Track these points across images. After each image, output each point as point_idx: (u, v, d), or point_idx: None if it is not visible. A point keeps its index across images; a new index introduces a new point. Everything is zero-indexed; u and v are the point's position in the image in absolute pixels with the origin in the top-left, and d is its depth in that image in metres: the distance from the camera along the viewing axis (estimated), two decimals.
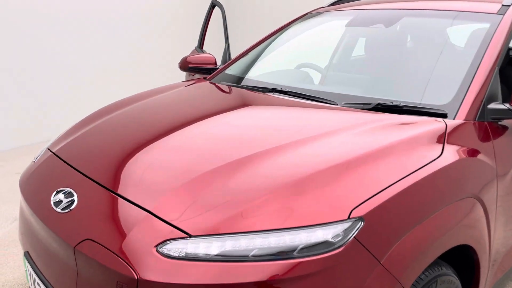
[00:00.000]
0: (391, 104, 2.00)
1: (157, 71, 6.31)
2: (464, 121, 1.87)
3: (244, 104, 2.34)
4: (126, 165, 1.71)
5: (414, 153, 1.64)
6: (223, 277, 1.27)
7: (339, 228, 1.33)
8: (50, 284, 1.65)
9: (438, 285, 1.67)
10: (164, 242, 1.34)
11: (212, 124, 2.05)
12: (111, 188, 1.60)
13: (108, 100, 2.67)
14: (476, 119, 1.92)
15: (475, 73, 1.98)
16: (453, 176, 1.68)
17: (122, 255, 1.37)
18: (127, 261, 1.34)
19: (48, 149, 2.07)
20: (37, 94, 5.27)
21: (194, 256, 1.30)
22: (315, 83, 2.69)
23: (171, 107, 2.32)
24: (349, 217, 1.35)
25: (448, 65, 2.22)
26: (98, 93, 5.65)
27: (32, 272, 1.77)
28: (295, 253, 1.29)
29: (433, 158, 1.64)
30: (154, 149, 1.80)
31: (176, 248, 1.32)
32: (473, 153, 1.80)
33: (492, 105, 1.96)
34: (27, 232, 1.85)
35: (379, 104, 2.02)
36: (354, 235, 1.33)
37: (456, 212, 1.66)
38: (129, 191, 1.57)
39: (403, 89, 2.22)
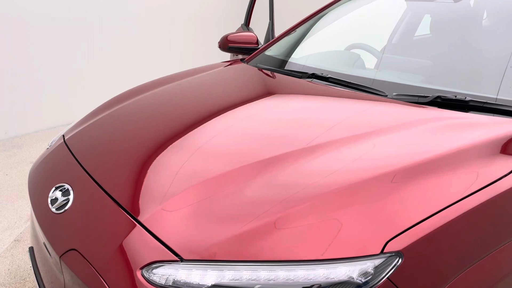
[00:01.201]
0: (454, 98, 1.62)
1: (199, 51, 5.83)
2: None
3: (274, 92, 2.03)
4: (129, 164, 1.49)
5: (487, 164, 1.28)
6: None
7: (369, 265, 1.03)
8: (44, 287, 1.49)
9: None
10: (151, 264, 1.11)
11: (233, 120, 1.72)
12: (108, 190, 1.39)
13: (137, 82, 2.47)
14: None
15: None
16: None
17: (103, 274, 1.15)
18: (107, 283, 1.13)
19: (63, 135, 1.90)
20: (56, 73, 4.66)
21: (183, 286, 1.06)
22: (367, 67, 2.32)
23: (190, 96, 2.04)
24: (382, 252, 1.04)
25: None
26: (126, 73, 5.17)
27: (33, 269, 1.63)
28: None
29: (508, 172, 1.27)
30: (166, 148, 1.56)
31: (163, 273, 1.08)
32: None
33: None
34: (32, 227, 1.70)
35: (438, 97, 1.64)
36: (387, 276, 1.03)
37: None
38: (125, 196, 1.34)
39: (474, 79, 1.81)
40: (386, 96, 1.76)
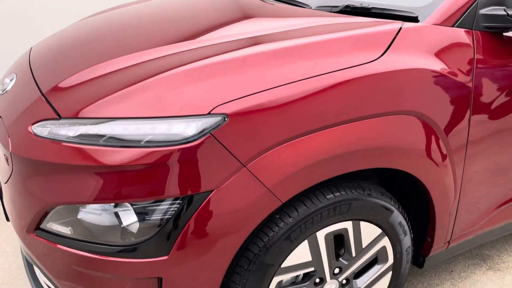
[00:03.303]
0: (359, 6, 1.71)
1: None
2: (431, 24, 1.52)
3: None
4: (62, 59, 1.74)
5: (341, 55, 1.39)
6: (75, 158, 1.26)
7: (197, 123, 1.22)
8: None
9: (353, 208, 1.48)
10: (39, 121, 1.37)
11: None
12: (32, 70, 1.67)
13: None
14: (457, 25, 1.55)
15: None
16: (388, 86, 1.40)
17: (9, 131, 1.44)
18: (9, 137, 1.41)
19: None
20: None
21: (55, 137, 1.31)
22: None
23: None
24: (209, 113, 1.22)
25: None
26: None
27: None
28: (142, 142, 1.22)
29: (363, 62, 1.38)
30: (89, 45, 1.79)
31: (45, 128, 1.34)
32: (432, 64, 1.47)
33: (486, 10, 1.56)
34: None
35: (347, 6, 1.74)
36: (210, 132, 1.21)
37: (382, 127, 1.40)
38: (44, 77, 1.60)
39: None
40: (311, 7, 1.88)
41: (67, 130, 1.30)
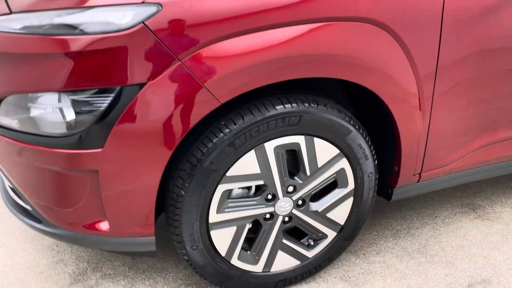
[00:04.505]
0: None
1: None
2: None
3: None
4: None
5: None
6: (19, 47, 1.28)
7: (131, 12, 1.21)
8: None
9: (304, 121, 1.44)
10: None
11: None
12: None
13: None
14: None
15: None
16: None
17: None
18: None
19: None
20: None
21: (3, 29, 1.33)
22: None
23: None
24: (143, 2, 1.21)
25: None
26: None
27: None
28: (78, 30, 1.23)
29: None
30: None
31: None
32: None
33: None
34: None
35: None
36: (143, 21, 1.20)
37: (332, 33, 1.34)
38: None
39: None
40: None
41: (15, 23, 1.33)
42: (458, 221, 2.14)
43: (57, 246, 1.97)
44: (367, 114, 1.75)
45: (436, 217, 2.18)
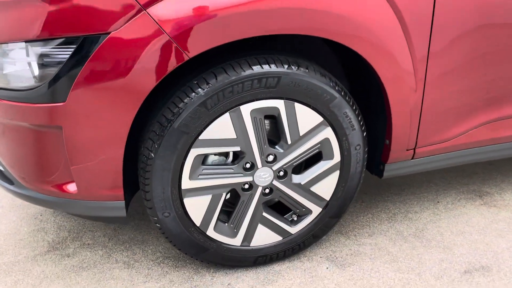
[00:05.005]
0: None
1: None
2: None
3: None
4: None
5: None
6: None
7: None
8: None
9: (283, 84, 1.35)
10: None
11: None
12: None
13: None
14: None
15: None
16: None
17: None
18: None
19: None
20: None
21: None
22: None
23: None
24: None
25: None
26: None
27: None
28: None
29: None
30: None
31: None
32: None
33: None
34: None
35: None
36: None
37: None
38: None
39: None
40: None
41: None
42: (461, 207, 2.00)
43: (40, 215, 1.94)
44: (359, 84, 1.64)
45: (438, 202, 2.04)
